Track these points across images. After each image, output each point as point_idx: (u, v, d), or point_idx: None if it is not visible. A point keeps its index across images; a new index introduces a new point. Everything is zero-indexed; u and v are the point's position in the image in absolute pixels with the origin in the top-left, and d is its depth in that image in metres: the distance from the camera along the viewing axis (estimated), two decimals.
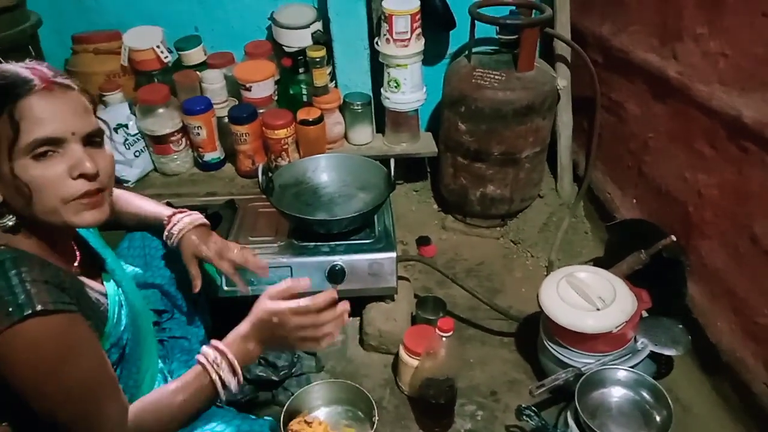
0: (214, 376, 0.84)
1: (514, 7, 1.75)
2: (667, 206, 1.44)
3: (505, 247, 1.86)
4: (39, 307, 0.69)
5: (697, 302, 1.32)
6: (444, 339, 1.20)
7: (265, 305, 0.88)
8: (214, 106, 1.73)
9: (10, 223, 0.75)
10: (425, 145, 1.93)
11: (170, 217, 1.11)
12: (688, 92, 1.29)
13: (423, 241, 1.84)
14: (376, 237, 1.46)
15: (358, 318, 1.49)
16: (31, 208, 0.74)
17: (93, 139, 0.77)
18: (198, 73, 1.77)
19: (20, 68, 0.73)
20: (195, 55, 1.80)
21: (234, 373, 0.85)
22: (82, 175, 0.74)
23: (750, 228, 1.14)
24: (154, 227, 1.14)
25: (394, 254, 1.41)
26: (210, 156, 1.78)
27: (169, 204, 1.18)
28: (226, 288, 1.36)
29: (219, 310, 1.30)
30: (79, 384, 0.74)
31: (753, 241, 1.14)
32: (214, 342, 0.88)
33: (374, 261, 1.41)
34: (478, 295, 1.48)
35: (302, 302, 0.87)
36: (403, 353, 1.33)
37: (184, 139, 1.75)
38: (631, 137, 1.60)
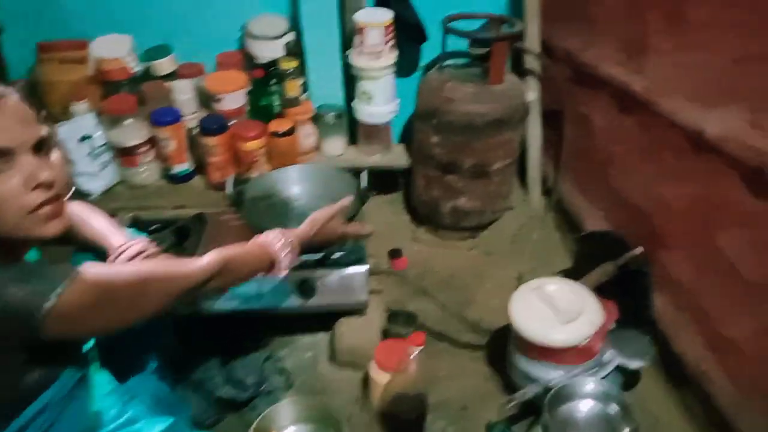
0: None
1: (485, 21, 1.76)
2: (634, 218, 1.46)
3: (477, 259, 1.86)
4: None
5: (663, 314, 1.33)
6: (414, 354, 1.19)
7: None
8: (184, 117, 1.71)
9: None
10: (398, 157, 1.93)
11: (117, 248, 1.05)
12: (654, 106, 1.31)
13: (394, 254, 1.83)
14: (347, 250, 1.45)
15: (329, 333, 1.47)
16: None
17: (42, 146, 0.75)
18: (167, 83, 1.74)
19: None
20: (164, 65, 1.78)
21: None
22: (39, 185, 0.72)
23: (713, 241, 1.16)
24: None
25: (365, 268, 1.40)
26: (179, 168, 1.75)
27: (135, 220, 1.15)
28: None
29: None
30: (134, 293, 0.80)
31: (716, 253, 1.16)
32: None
33: (345, 275, 1.39)
34: (448, 308, 1.47)
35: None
36: (373, 369, 1.31)
37: (152, 151, 1.72)
38: (599, 150, 1.62)
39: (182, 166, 1.75)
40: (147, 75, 1.79)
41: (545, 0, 1.80)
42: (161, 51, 1.78)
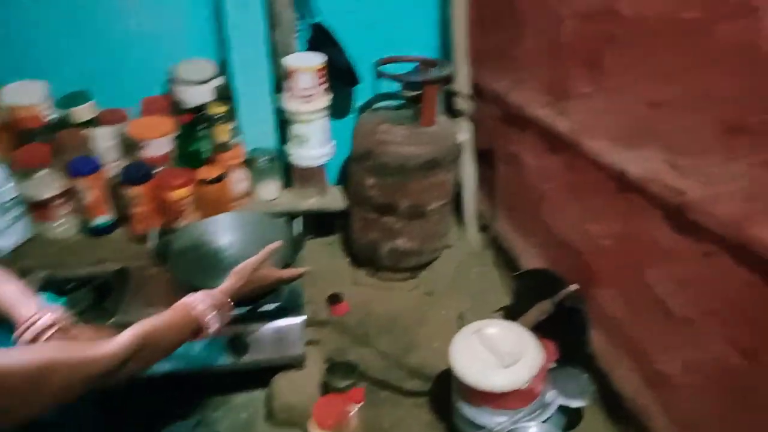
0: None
1: (416, 64, 1.79)
2: (567, 255, 1.48)
3: (418, 300, 1.84)
4: None
5: (600, 350, 1.35)
6: (354, 411, 1.14)
7: None
8: (105, 166, 1.61)
9: None
10: (334, 199, 1.90)
11: (25, 321, 0.95)
12: (579, 147, 1.35)
13: (334, 299, 1.78)
14: (282, 301, 1.39)
15: (265, 390, 1.40)
16: None
17: None
18: (86, 131, 1.65)
19: None
20: (82, 112, 1.68)
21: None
22: None
23: (642, 277, 1.19)
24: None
25: (301, 319, 1.35)
26: (99, 220, 1.64)
27: (49, 279, 1.05)
28: None
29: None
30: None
31: (646, 289, 1.18)
32: None
33: (280, 328, 1.33)
34: (389, 356, 1.43)
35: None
36: (312, 427, 1.24)
37: (69, 203, 1.61)
38: (530, 188, 1.65)
39: (103, 218, 1.65)
40: (64, 123, 1.69)
41: (474, 43, 1.84)
42: (79, 97, 1.69)
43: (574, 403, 1.24)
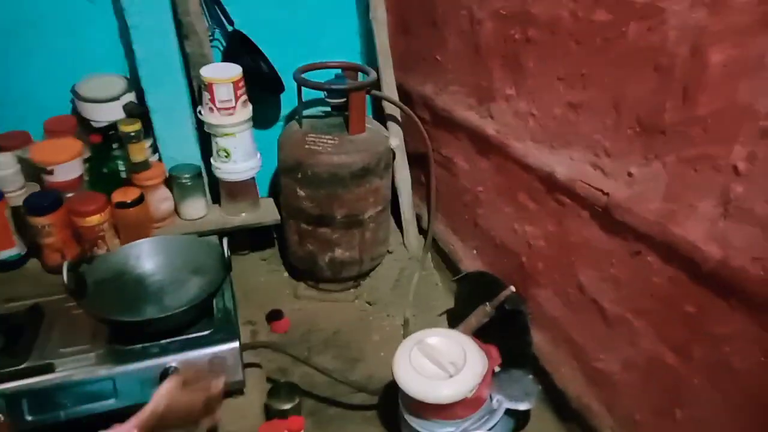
0: None
1: (339, 71, 1.74)
2: (504, 257, 1.48)
3: (361, 309, 1.81)
4: None
5: (542, 350, 1.35)
6: None
7: None
8: (7, 195, 1.47)
9: None
10: (267, 212, 1.83)
11: None
12: (506, 149, 1.35)
13: (274, 316, 1.72)
14: (215, 326, 1.31)
15: None
16: None
17: None
18: None
19: None
20: None
21: None
22: None
23: (576, 277, 1.20)
24: None
25: (236, 344, 1.27)
26: (5, 254, 1.50)
27: None
28: None
29: None
30: None
31: (580, 289, 1.19)
32: None
33: (215, 355, 1.25)
34: (333, 375, 1.38)
35: None
36: None
37: None
38: (464, 191, 1.64)
39: (10, 252, 1.50)
40: None
41: (397, 46, 1.82)
42: None
43: (521, 406, 1.23)
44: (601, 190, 1.04)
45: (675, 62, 0.86)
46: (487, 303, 1.42)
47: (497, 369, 1.30)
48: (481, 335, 1.40)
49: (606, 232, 1.07)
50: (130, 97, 1.61)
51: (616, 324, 1.10)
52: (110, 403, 1.20)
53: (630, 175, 0.99)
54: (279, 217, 1.80)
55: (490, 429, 1.20)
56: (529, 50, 1.21)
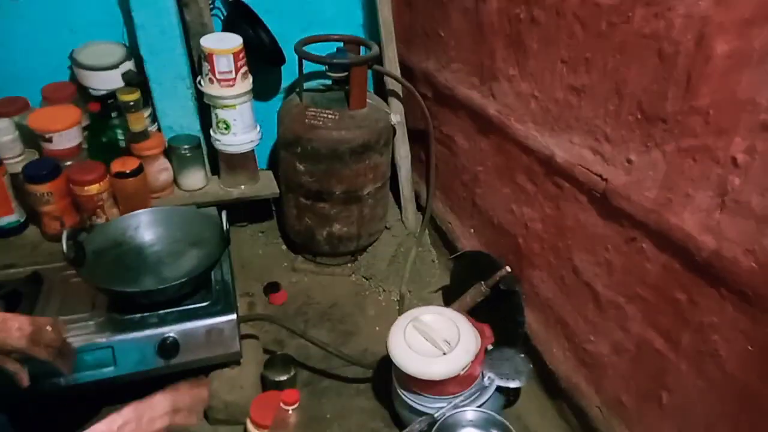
0: None
1: (341, 44, 1.71)
2: (501, 237, 1.49)
3: (357, 284, 1.83)
4: None
5: (535, 331, 1.38)
6: (292, 410, 1.11)
7: None
8: (5, 162, 1.47)
9: None
10: (266, 185, 1.83)
11: None
12: (507, 130, 1.34)
13: (272, 288, 1.74)
14: (213, 298, 1.33)
15: None
16: None
17: None
18: None
19: None
20: None
21: None
22: None
23: (571, 260, 1.21)
24: None
25: (234, 316, 1.29)
26: (5, 220, 1.50)
27: None
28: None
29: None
30: None
31: (574, 272, 1.20)
32: None
33: (212, 327, 1.27)
34: (329, 348, 1.41)
35: None
36: (250, 427, 1.22)
37: None
38: (463, 170, 1.64)
39: (9, 218, 1.51)
40: None
41: (401, 21, 1.79)
42: None
43: (512, 384, 1.26)
44: (600, 176, 1.04)
45: (679, 50, 0.85)
46: (483, 282, 1.44)
47: (490, 347, 1.33)
48: (475, 313, 1.42)
49: (602, 217, 1.08)
50: (130, 65, 1.59)
51: (608, 308, 1.11)
52: (109, 371, 1.23)
53: (629, 161, 0.99)
54: (278, 191, 1.80)
55: (480, 405, 1.23)
56: (533, 31, 1.20)
